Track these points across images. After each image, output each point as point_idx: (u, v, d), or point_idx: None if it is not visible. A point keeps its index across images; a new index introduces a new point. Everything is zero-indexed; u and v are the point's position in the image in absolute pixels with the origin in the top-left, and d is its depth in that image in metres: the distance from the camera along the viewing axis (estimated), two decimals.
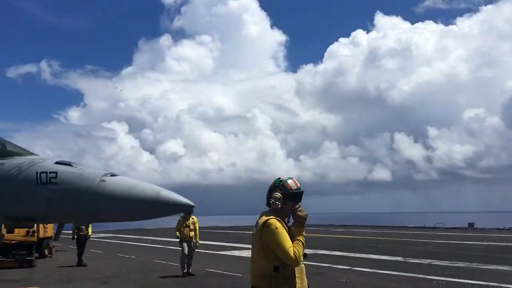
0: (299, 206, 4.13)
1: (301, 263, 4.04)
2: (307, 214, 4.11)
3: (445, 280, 12.60)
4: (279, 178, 4.27)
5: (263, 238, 4.02)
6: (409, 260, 17.50)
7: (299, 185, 4.22)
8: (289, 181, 4.21)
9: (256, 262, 4.11)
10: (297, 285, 3.98)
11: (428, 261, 17.05)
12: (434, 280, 12.69)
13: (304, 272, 4.11)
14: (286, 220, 4.17)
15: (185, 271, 13.76)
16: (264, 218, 4.10)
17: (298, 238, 4.03)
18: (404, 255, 19.20)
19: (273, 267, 3.94)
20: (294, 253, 3.91)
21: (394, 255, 19.34)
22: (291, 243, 3.96)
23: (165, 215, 11.13)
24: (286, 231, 4.03)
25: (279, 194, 4.12)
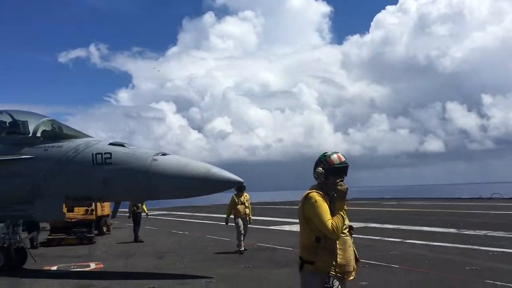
0: (340, 181, 4.16)
1: (342, 235, 4.10)
2: (347, 188, 4.14)
3: (501, 251, 12.31)
4: (325, 153, 4.32)
5: (304, 211, 4.16)
6: (463, 232, 17.14)
7: (343, 159, 4.24)
8: (333, 156, 4.24)
9: (301, 234, 4.26)
10: (338, 256, 4.06)
11: (484, 232, 16.65)
12: (490, 251, 12.41)
13: (349, 245, 4.17)
14: (332, 194, 4.21)
15: (242, 248, 14.01)
16: (307, 192, 4.20)
17: (338, 211, 4.09)
18: (458, 226, 18.79)
19: (315, 238, 4.05)
20: (332, 226, 3.97)
21: (447, 227, 18.97)
22: (329, 215, 4.03)
23: (215, 191, 11.46)
24: (328, 204, 4.10)
25: (321, 169, 4.19)
